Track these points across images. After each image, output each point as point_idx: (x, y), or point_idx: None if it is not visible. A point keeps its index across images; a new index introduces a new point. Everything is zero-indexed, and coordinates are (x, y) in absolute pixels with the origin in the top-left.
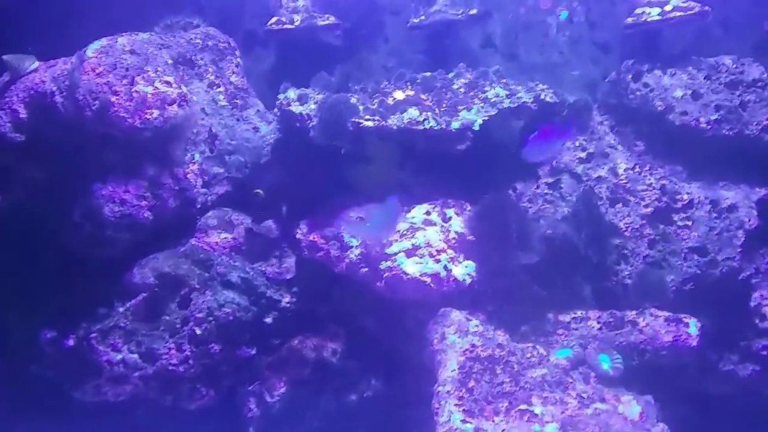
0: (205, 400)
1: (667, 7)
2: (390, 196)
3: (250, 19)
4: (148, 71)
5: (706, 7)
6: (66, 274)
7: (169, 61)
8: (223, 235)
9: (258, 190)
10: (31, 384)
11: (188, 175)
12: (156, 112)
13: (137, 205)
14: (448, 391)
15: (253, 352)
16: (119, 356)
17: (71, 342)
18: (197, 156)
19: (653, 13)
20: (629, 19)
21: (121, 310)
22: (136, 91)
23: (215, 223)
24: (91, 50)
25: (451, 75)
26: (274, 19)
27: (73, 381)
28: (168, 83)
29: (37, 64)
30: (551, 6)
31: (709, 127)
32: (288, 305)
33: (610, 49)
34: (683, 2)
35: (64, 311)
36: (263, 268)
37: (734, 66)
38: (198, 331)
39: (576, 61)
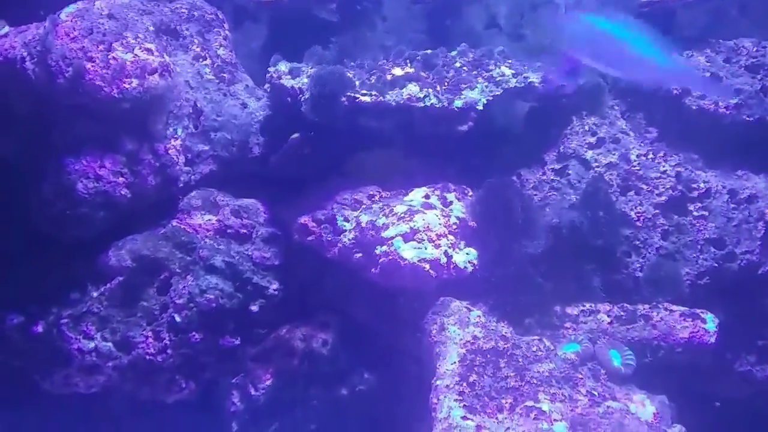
0: (184, 392)
1: None
2: None
3: None
4: (128, 37)
5: None
6: (35, 255)
7: (151, 28)
8: (208, 217)
9: None
10: None
11: (170, 151)
12: (135, 82)
13: (113, 182)
14: (447, 386)
15: (237, 341)
16: (91, 344)
17: (40, 328)
18: (180, 131)
19: None
20: None
21: (94, 294)
22: (114, 58)
23: (199, 203)
24: (66, 13)
25: (453, 53)
26: None
27: (41, 371)
28: (149, 51)
29: (7, 29)
30: None
31: (728, 112)
32: (276, 292)
33: None
34: None
35: (32, 295)
36: (250, 253)
37: (755, 49)
38: (178, 319)
39: None
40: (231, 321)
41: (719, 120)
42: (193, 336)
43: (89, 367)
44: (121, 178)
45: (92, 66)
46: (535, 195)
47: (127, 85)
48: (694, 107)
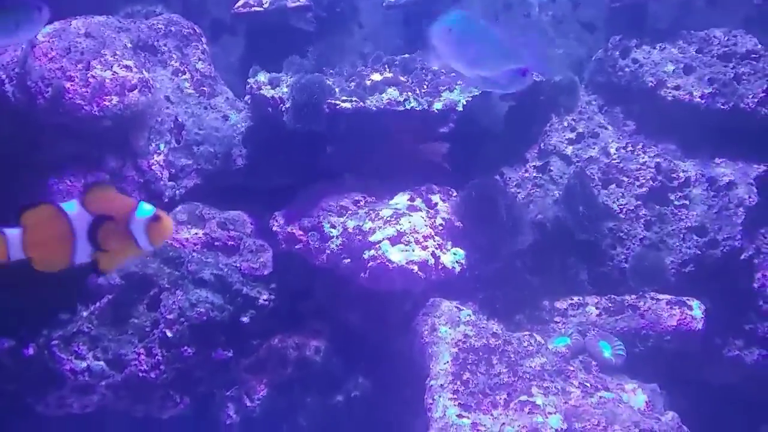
0: (179, 408)
1: None
2: None
3: (216, 7)
4: (106, 55)
5: None
6: (23, 277)
7: (129, 45)
8: (194, 231)
9: None
10: None
11: (153, 167)
12: (115, 99)
13: None
14: (441, 385)
15: (230, 354)
16: (84, 364)
17: (31, 351)
18: (162, 146)
19: None
20: None
21: (84, 314)
22: (93, 76)
23: (185, 218)
24: (43, 34)
25: None
26: (241, 2)
27: (34, 393)
28: (128, 68)
29: None
30: None
31: (703, 101)
32: (266, 303)
33: (596, 27)
34: None
35: (22, 318)
36: (238, 264)
37: (726, 38)
38: (169, 334)
39: (560, 41)
40: (222, 333)
41: (695, 109)
42: (185, 350)
43: (82, 387)
44: None
45: (71, 85)
46: (519, 192)
47: (107, 103)
48: (669, 98)
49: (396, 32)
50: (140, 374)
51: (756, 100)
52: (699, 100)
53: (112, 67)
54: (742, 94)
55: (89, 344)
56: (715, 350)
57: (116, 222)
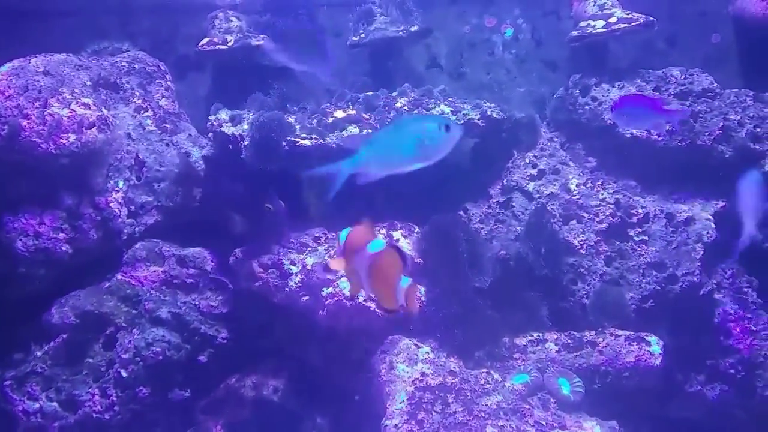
0: None
1: (612, 19)
2: None
3: (183, 44)
4: (64, 93)
5: (651, 18)
6: None
7: (88, 83)
8: (153, 268)
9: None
10: None
11: (111, 204)
12: (72, 137)
13: (54, 238)
14: (396, 425)
15: (187, 394)
16: (36, 405)
17: None
18: (121, 183)
19: (598, 26)
20: (574, 33)
21: (38, 354)
22: (50, 114)
23: (144, 255)
24: (1, 72)
25: (394, 94)
26: (205, 40)
27: None
28: (86, 105)
29: None
30: (496, 24)
31: (660, 138)
32: (224, 341)
33: (558, 66)
34: (627, 14)
35: None
36: (197, 302)
37: (683, 77)
38: (124, 374)
39: (523, 79)
40: (179, 373)
41: (653, 146)
42: (140, 391)
43: (34, 429)
44: (61, 234)
45: (28, 123)
46: (482, 228)
47: (64, 141)
48: (627, 135)
49: (363, 69)
50: (94, 415)
51: (712, 137)
52: (656, 137)
53: (69, 105)
54: (699, 132)
55: (42, 384)
56: (677, 386)
57: None
